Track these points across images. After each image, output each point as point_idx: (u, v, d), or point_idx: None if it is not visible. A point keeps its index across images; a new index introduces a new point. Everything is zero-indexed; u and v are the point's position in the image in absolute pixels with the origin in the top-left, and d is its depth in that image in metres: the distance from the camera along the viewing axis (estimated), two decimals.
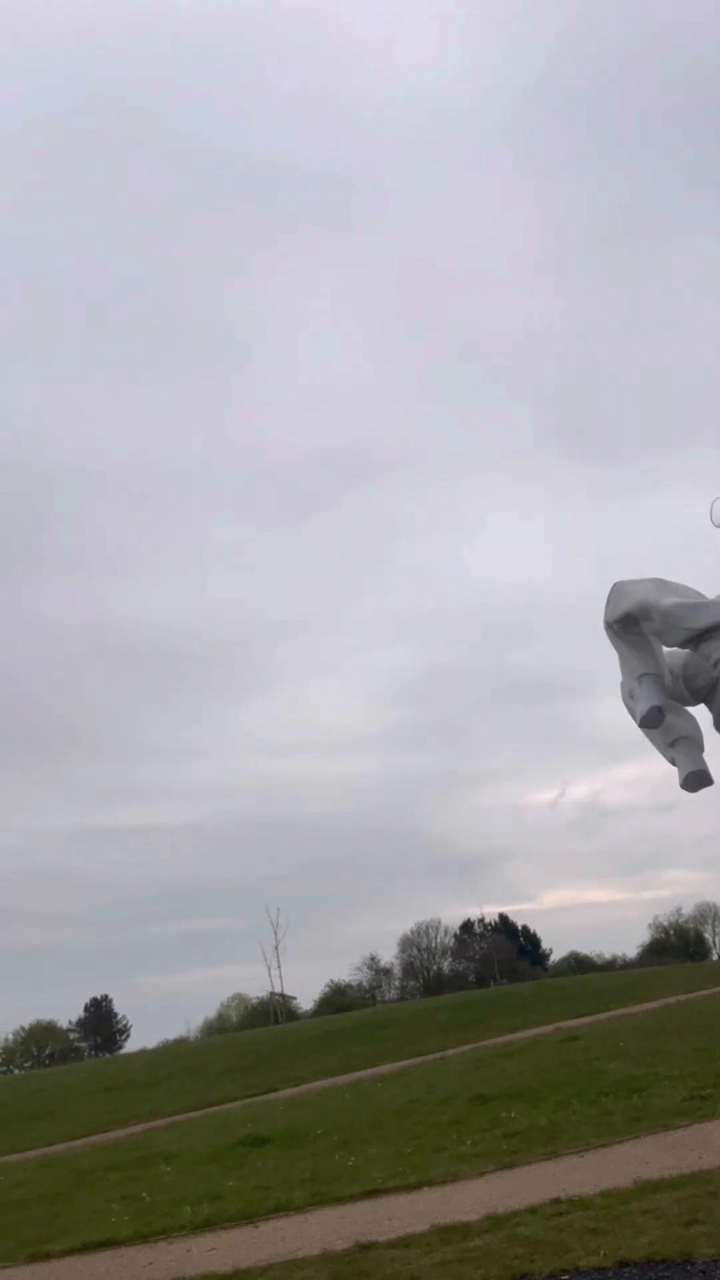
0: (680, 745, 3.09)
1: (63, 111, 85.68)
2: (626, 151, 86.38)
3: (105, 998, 72.50)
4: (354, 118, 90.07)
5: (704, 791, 3.48)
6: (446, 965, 69.31)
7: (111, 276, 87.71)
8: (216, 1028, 60.56)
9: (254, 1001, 62.91)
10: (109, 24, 79.17)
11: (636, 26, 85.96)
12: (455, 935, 69.64)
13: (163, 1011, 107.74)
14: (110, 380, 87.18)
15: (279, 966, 63.38)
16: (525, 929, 72.44)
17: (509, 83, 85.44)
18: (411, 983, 67.79)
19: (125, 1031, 72.29)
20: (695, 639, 2.85)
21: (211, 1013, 65.01)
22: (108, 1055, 61.70)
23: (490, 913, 72.21)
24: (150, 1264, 5.87)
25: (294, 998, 63.06)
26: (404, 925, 79.56)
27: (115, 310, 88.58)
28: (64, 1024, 71.03)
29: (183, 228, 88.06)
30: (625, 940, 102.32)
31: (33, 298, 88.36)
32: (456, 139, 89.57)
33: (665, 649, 3.03)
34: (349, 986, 66.45)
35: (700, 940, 71.93)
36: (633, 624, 2.90)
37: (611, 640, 2.98)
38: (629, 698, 3.04)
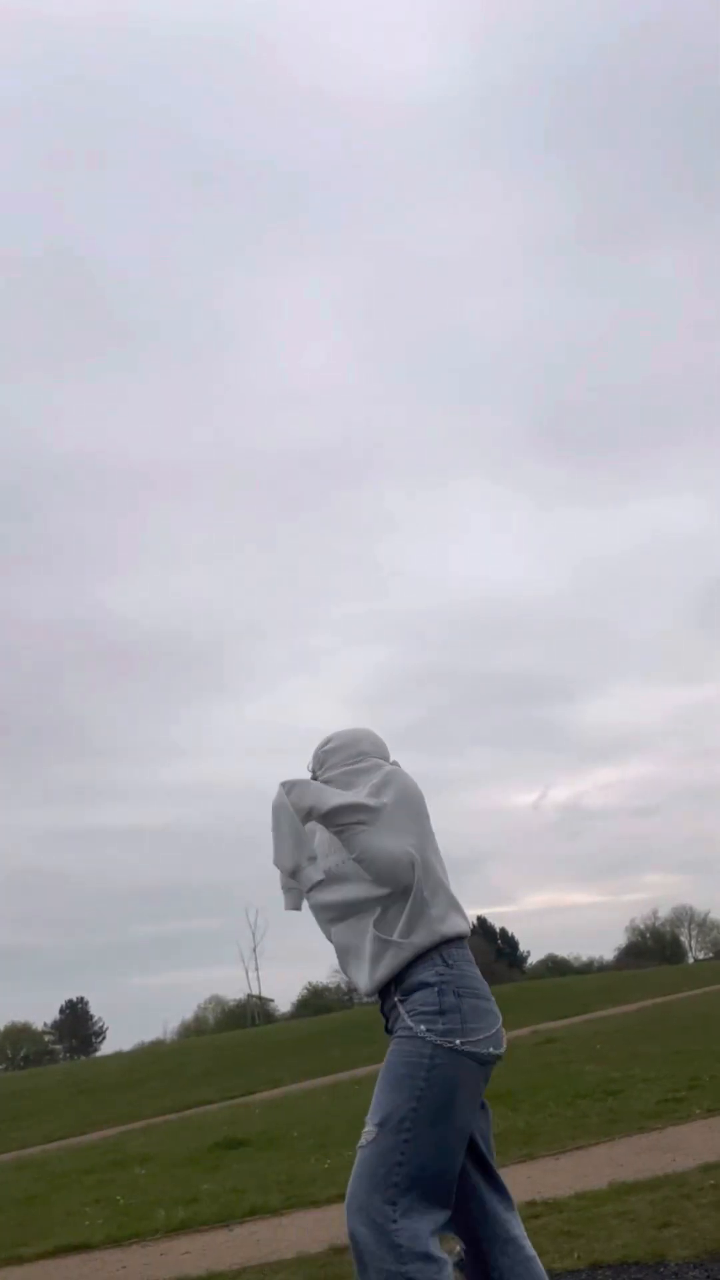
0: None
1: (56, 106, 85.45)
2: (617, 150, 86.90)
3: (81, 999, 72.23)
4: (345, 113, 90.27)
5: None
6: None
7: (100, 270, 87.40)
8: (193, 1030, 60.38)
9: (231, 1004, 62.82)
10: (109, 14, 78.98)
11: (629, 26, 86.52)
12: None
13: (139, 1014, 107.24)
14: (90, 375, 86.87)
15: (257, 969, 63.34)
16: (503, 931, 72.63)
17: (501, 79, 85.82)
18: None
19: (101, 1034, 72.06)
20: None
21: (188, 1015, 64.90)
22: (83, 1058, 61.41)
23: (468, 915, 72.36)
24: (124, 1267, 5.83)
25: (272, 1000, 63.03)
26: None
27: (101, 305, 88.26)
28: (39, 1026, 70.77)
29: (170, 221, 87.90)
30: (603, 943, 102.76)
31: (22, 293, 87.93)
32: (448, 135, 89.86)
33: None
34: (327, 989, 66.38)
35: (676, 943, 72.31)
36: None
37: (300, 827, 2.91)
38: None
